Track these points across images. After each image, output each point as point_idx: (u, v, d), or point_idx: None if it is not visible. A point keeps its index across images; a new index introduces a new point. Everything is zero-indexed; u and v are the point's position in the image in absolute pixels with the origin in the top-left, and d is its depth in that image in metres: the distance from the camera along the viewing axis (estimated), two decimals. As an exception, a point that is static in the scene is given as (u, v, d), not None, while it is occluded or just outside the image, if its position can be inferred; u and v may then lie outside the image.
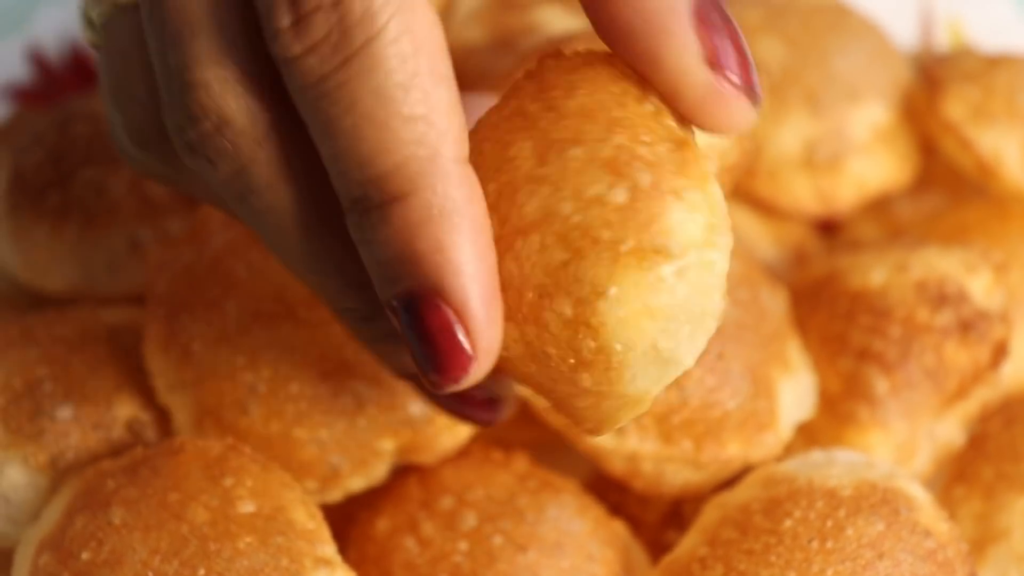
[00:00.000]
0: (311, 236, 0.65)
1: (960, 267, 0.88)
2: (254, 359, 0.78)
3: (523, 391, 0.72)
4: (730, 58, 0.61)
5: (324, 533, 0.76)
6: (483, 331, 0.61)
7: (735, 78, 0.61)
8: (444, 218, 0.60)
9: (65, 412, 0.79)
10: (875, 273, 0.88)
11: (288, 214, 0.65)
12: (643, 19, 0.61)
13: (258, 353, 0.78)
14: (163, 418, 0.81)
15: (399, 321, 0.62)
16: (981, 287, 0.87)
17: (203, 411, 0.79)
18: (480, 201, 0.61)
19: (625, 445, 0.81)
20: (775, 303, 0.86)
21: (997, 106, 0.95)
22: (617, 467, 0.82)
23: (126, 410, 0.80)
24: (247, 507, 0.75)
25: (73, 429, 0.79)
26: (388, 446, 0.81)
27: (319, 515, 0.77)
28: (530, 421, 0.86)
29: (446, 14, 0.95)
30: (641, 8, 0.61)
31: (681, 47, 0.61)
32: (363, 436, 0.80)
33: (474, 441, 0.84)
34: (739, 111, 0.62)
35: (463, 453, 0.83)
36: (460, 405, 0.69)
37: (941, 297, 0.86)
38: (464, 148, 0.61)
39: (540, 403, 0.67)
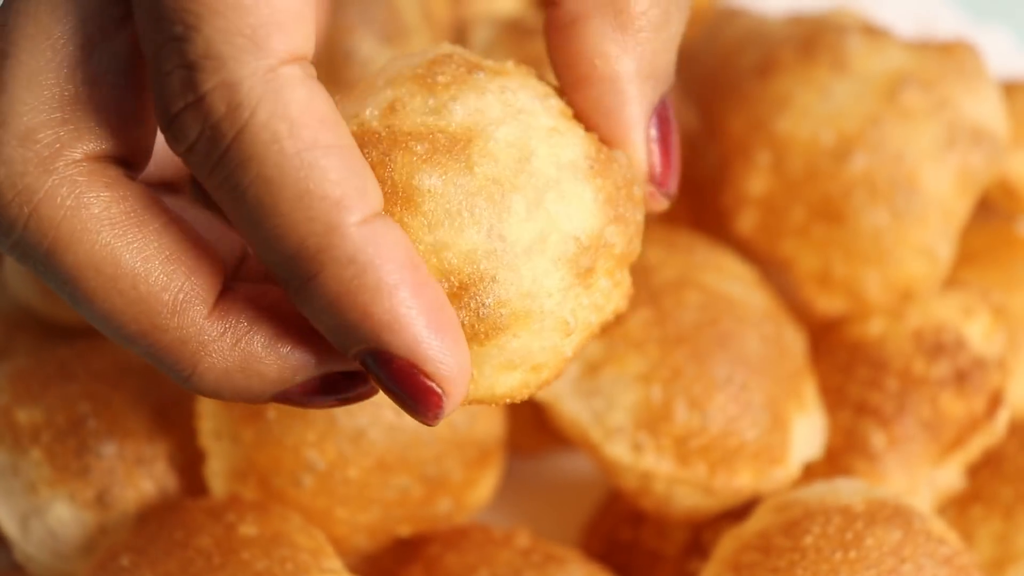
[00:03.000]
0: (94, 307, 0.64)
1: (958, 312, 0.89)
2: (323, 438, 0.79)
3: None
4: (664, 175, 0.69)
5: (328, 551, 0.77)
6: (440, 366, 0.62)
7: (664, 190, 0.69)
8: (359, 284, 0.61)
9: (109, 448, 0.81)
10: (873, 322, 0.89)
11: (70, 289, 0.64)
12: (610, 125, 0.68)
13: (330, 434, 0.80)
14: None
15: (371, 376, 0.63)
16: (979, 331, 0.89)
17: (250, 468, 0.80)
18: (397, 246, 0.61)
19: (641, 463, 0.82)
20: (796, 342, 0.87)
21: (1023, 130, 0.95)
22: (630, 483, 0.83)
23: (167, 445, 0.82)
24: (249, 531, 0.76)
25: (118, 465, 0.81)
26: (405, 531, 0.83)
27: (323, 540, 0.78)
28: (543, 429, 0.88)
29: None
30: (609, 116, 0.68)
31: (635, 157, 0.68)
32: (391, 523, 0.82)
33: (472, 522, 0.85)
34: (658, 206, 0.70)
35: (462, 535, 0.84)
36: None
37: (938, 347, 0.87)
38: (368, 204, 0.61)
39: None
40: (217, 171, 0.61)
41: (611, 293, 0.67)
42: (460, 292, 0.63)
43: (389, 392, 0.63)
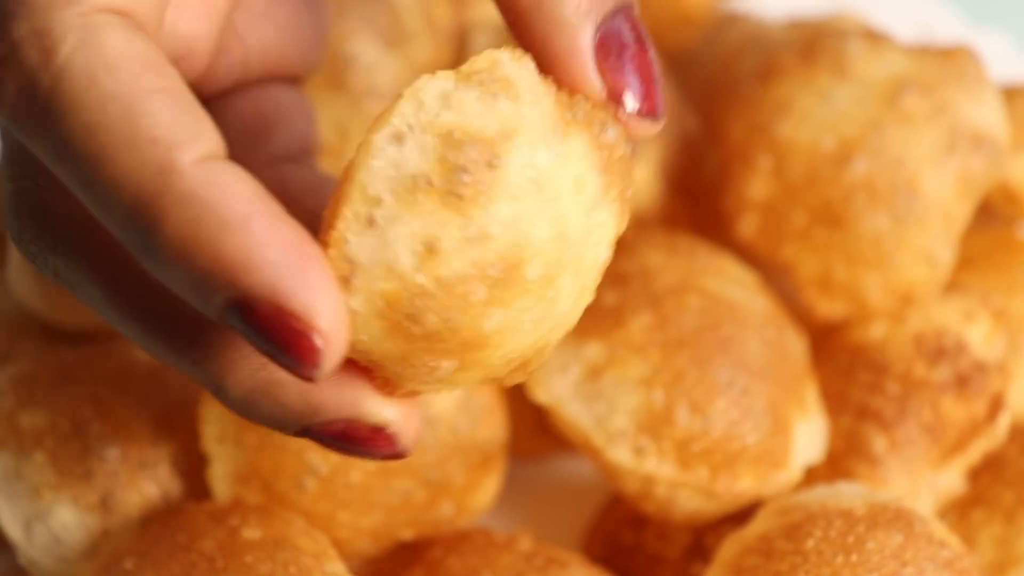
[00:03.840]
0: (129, 321, 0.63)
1: (959, 316, 0.89)
2: None
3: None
4: (631, 89, 0.63)
5: (331, 554, 0.77)
6: (309, 304, 0.55)
7: (634, 108, 0.63)
8: (205, 223, 0.55)
9: (113, 452, 0.81)
10: (874, 327, 0.89)
11: (102, 300, 0.63)
12: (550, 59, 0.62)
13: None
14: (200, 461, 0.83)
15: (238, 332, 0.57)
16: (980, 336, 0.89)
17: (253, 472, 0.80)
18: (242, 182, 0.56)
19: (643, 467, 0.82)
20: (797, 346, 0.87)
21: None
22: (631, 487, 0.83)
23: (171, 449, 0.82)
24: (253, 534, 0.77)
25: (121, 469, 0.81)
26: (408, 534, 0.83)
27: (326, 543, 0.78)
28: (544, 433, 0.88)
29: (459, 54, 0.95)
30: (547, 49, 0.62)
31: (586, 87, 0.62)
32: (394, 527, 0.83)
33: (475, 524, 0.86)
34: (639, 128, 0.63)
35: (464, 538, 0.84)
36: (353, 446, 0.63)
37: (939, 351, 0.87)
38: (204, 144, 0.56)
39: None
40: (40, 128, 0.57)
41: None
42: (523, 366, 0.63)
43: (261, 349, 0.57)
